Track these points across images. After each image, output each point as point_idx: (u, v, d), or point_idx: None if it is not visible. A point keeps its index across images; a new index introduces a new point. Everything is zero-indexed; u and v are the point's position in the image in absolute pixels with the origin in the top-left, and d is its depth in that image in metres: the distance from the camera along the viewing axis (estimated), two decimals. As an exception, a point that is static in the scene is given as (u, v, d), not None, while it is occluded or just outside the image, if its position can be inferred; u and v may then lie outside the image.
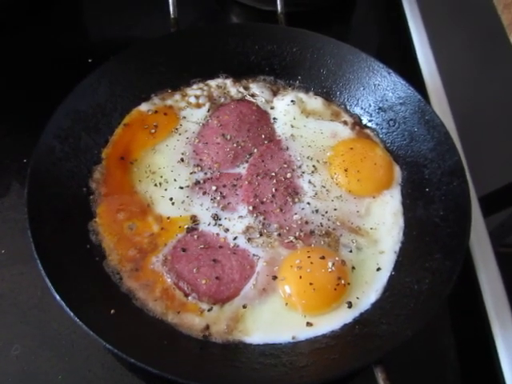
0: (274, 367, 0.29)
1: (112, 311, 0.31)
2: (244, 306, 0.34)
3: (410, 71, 0.55)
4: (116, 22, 0.59)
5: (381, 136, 0.44)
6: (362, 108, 0.46)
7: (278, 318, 0.33)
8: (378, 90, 0.45)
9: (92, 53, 0.54)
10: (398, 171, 0.42)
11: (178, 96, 0.47)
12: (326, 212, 0.39)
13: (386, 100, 0.44)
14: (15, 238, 0.39)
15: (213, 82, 0.48)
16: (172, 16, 0.48)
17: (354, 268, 0.36)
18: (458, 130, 0.51)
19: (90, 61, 0.53)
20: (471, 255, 0.40)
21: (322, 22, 0.59)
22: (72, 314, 0.29)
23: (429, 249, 0.35)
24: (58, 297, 0.29)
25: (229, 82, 0.48)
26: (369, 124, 0.45)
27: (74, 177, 0.39)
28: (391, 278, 0.35)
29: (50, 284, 0.30)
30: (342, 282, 0.34)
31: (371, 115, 0.45)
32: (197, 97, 0.47)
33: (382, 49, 0.59)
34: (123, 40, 0.57)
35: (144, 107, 0.45)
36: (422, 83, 0.54)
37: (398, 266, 0.36)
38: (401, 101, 0.43)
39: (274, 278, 0.35)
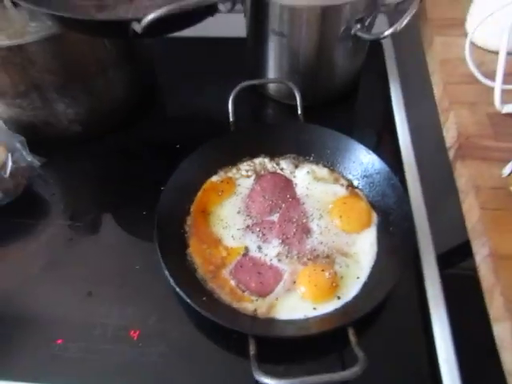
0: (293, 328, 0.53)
1: (204, 298, 0.56)
2: (276, 299, 0.57)
3: (392, 153, 0.76)
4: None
5: (365, 193, 0.68)
6: (353, 175, 0.69)
7: (296, 305, 0.56)
8: (363, 164, 0.68)
9: (178, 140, 0.83)
10: (374, 216, 0.65)
11: (234, 170, 0.73)
12: (328, 244, 0.62)
13: (368, 171, 0.68)
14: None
15: (256, 160, 0.74)
16: (231, 120, 0.75)
17: (342, 277, 0.58)
18: (424, 193, 0.70)
19: (177, 146, 0.83)
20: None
21: (329, 112, 0.82)
22: (189, 300, 0.53)
23: (392, 263, 0.58)
24: (177, 288, 0.54)
25: (267, 160, 0.74)
26: (357, 185, 0.69)
27: (177, 223, 0.66)
28: (365, 284, 0.58)
29: (173, 283, 0.55)
30: (334, 284, 0.57)
31: (359, 180, 0.68)
32: (246, 170, 0.73)
33: (370, 132, 0.83)
34: (195, 129, 0.84)
35: (214, 178, 0.71)
36: (399, 159, 0.75)
37: (371, 276, 0.58)
38: (377, 171, 0.67)
39: (294, 282, 0.59)
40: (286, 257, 0.61)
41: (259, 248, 0.62)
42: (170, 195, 0.65)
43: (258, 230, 0.64)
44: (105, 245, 0.67)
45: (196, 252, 0.62)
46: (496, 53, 0.64)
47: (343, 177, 0.70)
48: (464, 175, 0.53)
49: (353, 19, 0.70)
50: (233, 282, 0.58)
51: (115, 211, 0.72)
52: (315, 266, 0.59)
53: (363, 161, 0.68)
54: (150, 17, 0.48)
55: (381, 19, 0.96)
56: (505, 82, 0.58)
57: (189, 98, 0.89)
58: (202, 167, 0.70)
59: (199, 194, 0.68)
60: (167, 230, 0.61)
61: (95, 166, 0.78)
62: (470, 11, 0.69)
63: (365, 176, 0.68)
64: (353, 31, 0.72)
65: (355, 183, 0.69)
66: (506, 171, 0.48)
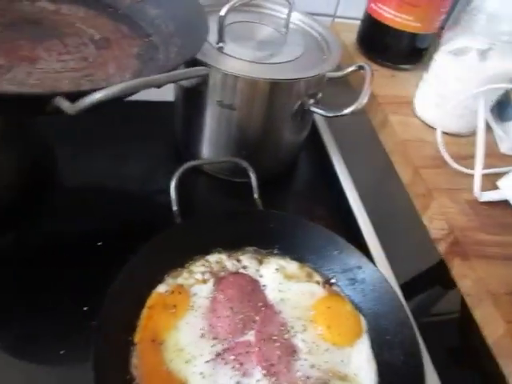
0: None
1: None
2: None
3: (350, 228, 0.73)
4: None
5: (345, 292, 0.59)
6: (328, 270, 0.60)
7: None
8: (338, 257, 0.60)
9: (100, 237, 0.64)
10: (363, 321, 0.56)
11: (185, 274, 0.57)
12: (320, 365, 0.50)
13: (346, 264, 0.59)
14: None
15: (211, 258, 0.60)
16: (174, 209, 0.60)
17: (350, 411, 0.47)
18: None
19: (99, 244, 0.63)
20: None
21: (273, 191, 0.73)
22: None
23: None
24: None
25: (224, 256, 0.60)
26: (335, 282, 0.60)
27: (119, 367, 0.46)
28: (377, 415, 0.47)
29: None
30: (346, 426, 0.45)
31: (336, 275, 0.60)
32: (202, 273, 0.58)
33: (326, 210, 0.77)
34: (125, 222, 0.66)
35: (161, 289, 0.54)
36: (361, 237, 0.72)
37: None
38: (357, 265, 0.59)
39: (296, 432, 0.45)
40: (277, 395, 0.47)
41: (239, 386, 0.47)
42: (104, 326, 0.46)
43: (232, 358, 0.49)
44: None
45: (154, 409, 0.44)
46: (452, 135, 0.65)
47: (317, 271, 0.60)
48: (469, 277, 0.48)
49: (306, 94, 0.64)
50: None
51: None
52: (318, 404, 0.46)
53: (340, 253, 0.59)
54: (97, 96, 0.33)
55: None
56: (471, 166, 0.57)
57: (103, 175, 0.71)
58: (142, 276, 0.53)
59: (143, 314, 0.51)
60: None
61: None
62: (418, 93, 0.69)
63: (343, 270, 0.59)
64: (306, 106, 0.65)
65: (332, 279, 0.59)
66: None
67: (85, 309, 0.53)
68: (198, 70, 0.37)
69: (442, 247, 0.53)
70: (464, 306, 0.76)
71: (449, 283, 0.80)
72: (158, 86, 0.38)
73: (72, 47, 0.49)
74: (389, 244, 0.71)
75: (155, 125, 0.79)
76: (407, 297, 0.60)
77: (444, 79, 0.62)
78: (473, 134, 0.66)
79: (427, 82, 0.66)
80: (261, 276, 0.58)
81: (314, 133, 0.88)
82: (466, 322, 0.74)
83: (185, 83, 0.44)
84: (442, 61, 0.62)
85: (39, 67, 0.45)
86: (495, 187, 0.57)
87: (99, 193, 0.69)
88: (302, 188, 0.80)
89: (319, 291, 0.57)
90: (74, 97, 0.33)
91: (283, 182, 0.78)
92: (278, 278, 0.58)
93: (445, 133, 0.62)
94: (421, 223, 0.63)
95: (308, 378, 0.49)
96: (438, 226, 0.54)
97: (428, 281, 0.83)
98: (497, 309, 0.44)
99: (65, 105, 0.33)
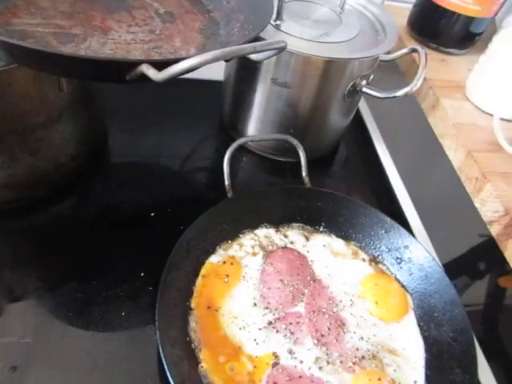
0: None
1: None
2: (329, 426, 0.45)
3: (393, 209, 0.73)
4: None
5: (392, 270, 0.60)
6: (374, 248, 0.61)
7: (356, 433, 0.45)
8: (385, 236, 0.61)
9: (153, 208, 0.66)
10: (409, 299, 0.57)
11: (236, 246, 0.59)
12: (369, 338, 0.52)
13: (392, 243, 0.61)
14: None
15: (260, 233, 0.61)
16: (226, 183, 0.62)
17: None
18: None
19: (152, 214, 0.65)
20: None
21: (319, 171, 0.75)
22: None
23: (449, 364, 0.48)
24: None
25: (272, 231, 0.62)
26: (381, 261, 0.61)
27: (178, 330, 0.48)
28: (425, 389, 0.49)
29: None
30: (396, 397, 0.47)
31: (382, 254, 0.61)
32: (252, 246, 0.60)
33: (368, 190, 0.77)
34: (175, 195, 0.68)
35: (214, 259, 0.57)
36: (403, 217, 0.72)
37: (429, 378, 0.48)
38: (404, 244, 0.60)
39: (347, 399, 0.47)
40: (328, 363, 0.48)
41: (291, 353, 0.49)
42: (165, 291, 0.48)
43: (283, 327, 0.51)
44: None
45: (212, 369, 0.46)
46: (506, 120, 0.64)
47: (362, 249, 0.61)
48: (525, 257, 0.48)
49: (359, 75, 0.64)
50: (270, 410, 0.44)
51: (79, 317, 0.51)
52: (369, 374, 0.47)
53: (386, 232, 0.60)
54: (185, 65, 0.34)
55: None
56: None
57: (152, 151, 0.73)
58: (196, 247, 0.55)
59: (198, 282, 0.53)
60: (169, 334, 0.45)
61: (33, 245, 0.56)
62: (472, 76, 0.68)
63: (389, 249, 0.60)
64: (358, 87, 0.65)
65: (378, 258, 0.60)
66: None
67: (142, 274, 0.55)
68: (278, 42, 0.38)
69: (494, 229, 0.53)
70: (490, 297, 0.76)
71: (477, 274, 0.80)
72: (233, 58, 0.39)
73: (139, 20, 0.50)
74: (430, 226, 0.71)
75: (203, 103, 0.80)
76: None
77: (503, 62, 0.61)
78: (526, 119, 0.66)
79: (483, 65, 0.65)
80: (308, 251, 0.59)
81: (357, 116, 0.88)
82: (491, 313, 0.74)
83: (257, 56, 0.45)
84: (502, 43, 0.61)
85: (111, 38, 0.47)
86: (551, 173, 0.56)
87: (149, 167, 0.71)
88: (344, 169, 0.81)
89: (366, 269, 0.58)
90: (160, 66, 0.34)
91: (326, 163, 0.79)
92: (324, 254, 0.59)
93: (500, 118, 0.62)
94: (463, 207, 0.64)
95: (357, 349, 0.50)
96: (491, 208, 0.54)
97: (457, 270, 0.83)
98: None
99: (151, 72, 0.34)
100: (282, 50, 0.39)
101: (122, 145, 0.72)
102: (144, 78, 0.37)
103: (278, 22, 0.61)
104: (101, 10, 0.49)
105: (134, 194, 0.65)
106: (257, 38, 0.54)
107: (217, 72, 0.76)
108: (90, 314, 0.51)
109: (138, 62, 0.36)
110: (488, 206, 0.54)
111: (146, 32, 0.49)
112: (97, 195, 0.64)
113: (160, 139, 0.75)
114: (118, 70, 0.37)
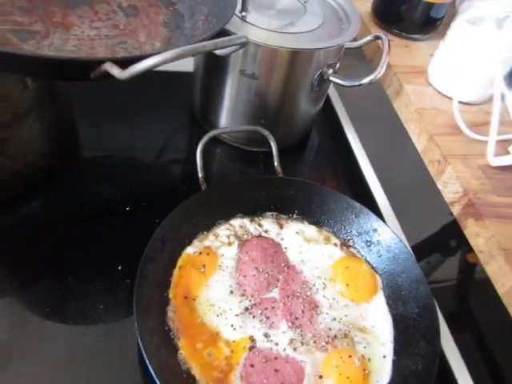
0: None
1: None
2: (304, 403, 0.47)
3: (363, 194, 0.76)
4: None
5: (362, 253, 0.62)
6: (345, 233, 0.64)
7: (329, 407, 0.47)
8: (355, 220, 0.63)
9: (127, 202, 0.66)
10: (379, 279, 0.60)
11: (211, 237, 0.60)
12: (341, 318, 0.54)
13: (362, 227, 0.63)
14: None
15: (235, 223, 0.63)
16: (200, 175, 0.63)
17: (369, 359, 0.51)
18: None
19: (127, 209, 0.66)
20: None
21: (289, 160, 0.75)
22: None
23: (414, 337, 0.51)
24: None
25: (246, 221, 0.63)
26: (352, 244, 0.63)
27: (156, 320, 0.50)
28: (394, 363, 0.51)
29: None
30: (366, 371, 0.49)
31: (352, 238, 0.63)
32: (227, 236, 0.61)
33: (340, 176, 0.79)
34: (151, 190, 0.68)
35: (190, 250, 0.58)
36: (373, 202, 0.75)
37: (396, 352, 0.51)
38: (373, 228, 0.62)
39: (320, 377, 0.48)
40: (302, 344, 0.51)
41: (267, 336, 0.51)
42: (142, 283, 0.49)
43: (259, 312, 0.53)
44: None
45: (190, 356, 0.47)
46: (466, 103, 0.67)
47: (334, 235, 0.63)
48: (482, 235, 0.51)
49: (326, 64, 0.66)
50: (247, 391, 0.46)
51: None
52: (340, 352, 0.50)
53: (356, 217, 0.62)
54: (149, 63, 0.34)
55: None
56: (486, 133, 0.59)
57: (124, 145, 0.73)
58: (172, 239, 0.56)
59: (175, 273, 0.54)
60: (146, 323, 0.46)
61: (6, 245, 0.56)
62: (434, 62, 0.71)
63: (359, 233, 0.62)
64: (325, 76, 0.67)
65: (349, 242, 0.62)
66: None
67: (119, 268, 0.56)
68: (240, 38, 0.38)
69: (455, 209, 0.56)
70: (462, 273, 0.80)
71: (448, 251, 0.84)
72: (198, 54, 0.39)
73: (102, 14, 0.50)
74: (398, 208, 0.74)
75: (173, 95, 0.80)
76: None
77: (460, 48, 0.63)
78: (485, 102, 0.69)
79: (443, 50, 0.67)
80: (282, 239, 0.61)
81: (327, 103, 0.90)
82: (463, 288, 0.79)
83: (222, 51, 0.45)
84: (458, 29, 0.63)
85: (74, 34, 0.46)
86: (507, 153, 0.59)
87: (122, 162, 0.72)
88: (316, 157, 0.83)
89: (337, 253, 0.61)
90: (124, 63, 0.34)
91: (298, 151, 0.81)
92: (298, 240, 0.61)
93: (459, 101, 0.64)
94: (431, 189, 0.66)
95: (330, 329, 0.53)
96: (452, 189, 0.56)
97: (429, 248, 0.86)
98: (507, 263, 0.47)
99: (114, 70, 0.34)
100: (243, 45, 0.40)
101: (93, 140, 0.72)
102: (109, 75, 0.38)
103: (243, 14, 0.61)
104: (61, 5, 0.49)
105: (107, 188, 0.66)
106: (223, 31, 0.55)
107: (186, 63, 0.76)
108: (68, 309, 0.52)
109: (101, 61, 0.36)
110: (449, 187, 0.57)
111: (110, 27, 0.49)
112: (70, 192, 0.64)
113: (132, 133, 0.75)
114: (82, 69, 0.37)
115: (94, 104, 0.76)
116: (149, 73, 0.49)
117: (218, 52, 0.45)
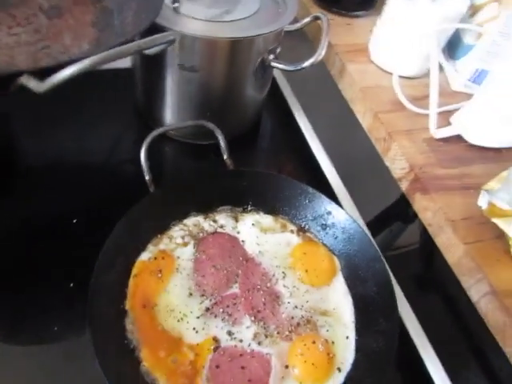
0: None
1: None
2: (273, 395, 0.47)
3: (317, 178, 0.76)
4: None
5: (318, 237, 0.63)
6: (300, 219, 0.64)
7: (296, 395, 0.48)
8: (309, 205, 0.63)
9: (74, 214, 0.63)
10: (337, 261, 0.61)
11: (166, 239, 0.59)
12: (302, 306, 0.54)
13: (316, 211, 0.64)
14: None
15: (189, 221, 0.61)
16: (147, 178, 0.61)
17: (333, 342, 0.52)
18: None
19: (74, 221, 0.62)
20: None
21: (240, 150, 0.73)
22: None
23: (374, 315, 0.52)
24: None
25: (200, 219, 0.62)
26: (308, 229, 0.64)
27: (114, 335, 0.48)
28: (357, 342, 0.52)
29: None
30: (331, 355, 0.50)
31: (308, 223, 0.63)
32: (182, 237, 0.60)
33: (293, 162, 0.79)
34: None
35: (145, 256, 0.56)
36: (327, 185, 0.75)
37: (358, 332, 0.52)
38: (327, 211, 0.63)
39: (286, 366, 0.49)
40: (266, 336, 0.51)
41: (230, 334, 0.51)
42: (94, 299, 0.47)
43: (221, 311, 0.52)
44: None
45: (154, 366, 0.47)
46: (407, 78, 0.67)
47: (290, 221, 0.63)
48: (430, 209, 0.52)
49: (266, 50, 0.64)
50: (215, 392, 0.46)
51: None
52: (303, 340, 0.51)
53: (310, 201, 0.62)
54: (68, 72, 0.32)
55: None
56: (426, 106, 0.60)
57: (66, 151, 0.70)
58: (124, 247, 0.54)
59: (131, 282, 0.53)
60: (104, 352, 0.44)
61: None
62: (373, 39, 0.71)
63: (314, 217, 0.62)
64: (267, 62, 0.66)
65: (306, 227, 0.63)
66: (482, 204, 0.48)
67: (71, 285, 0.54)
68: (165, 36, 0.36)
69: (403, 185, 0.57)
70: (423, 236, 0.83)
71: (408, 218, 0.87)
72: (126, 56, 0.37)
73: (21, 19, 0.46)
74: (353, 187, 0.75)
75: (114, 94, 0.77)
76: (373, 234, 0.64)
77: (396, 22, 0.63)
78: (426, 75, 0.69)
79: (380, 26, 0.67)
80: (238, 232, 0.61)
81: (274, 88, 0.89)
82: (427, 250, 0.81)
83: (150, 51, 0.43)
84: (394, 4, 0.63)
85: (-11, 43, 0.43)
86: (449, 124, 0.60)
87: (65, 170, 0.68)
88: (268, 144, 0.82)
89: (294, 239, 0.61)
90: (41, 74, 0.32)
91: (248, 140, 0.79)
92: (254, 232, 0.61)
93: (400, 76, 0.65)
94: (382, 165, 0.68)
95: (293, 317, 0.53)
96: (399, 166, 0.57)
97: (389, 218, 0.89)
98: (455, 234, 0.48)
99: (32, 83, 0.32)
100: (171, 42, 0.38)
101: (30, 149, 0.68)
102: (27, 88, 0.35)
103: (176, 5, 0.58)
104: (-30, 12, 0.44)
105: (51, 200, 0.62)
106: (154, 26, 0.52)
107: (124, 60, 0.73)
108: (21, 331, 0.49)
109: (16, 74, 0.34)
110: (396, 163, 0.58)
111: (31, 32, 0.45)
112: (11, 207, 0.61)
113: (73, 137, 0.71)
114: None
115: (28, 111, 0.71)
116: (88, 72, 0.47)
117: (146, 52, 0.43)
